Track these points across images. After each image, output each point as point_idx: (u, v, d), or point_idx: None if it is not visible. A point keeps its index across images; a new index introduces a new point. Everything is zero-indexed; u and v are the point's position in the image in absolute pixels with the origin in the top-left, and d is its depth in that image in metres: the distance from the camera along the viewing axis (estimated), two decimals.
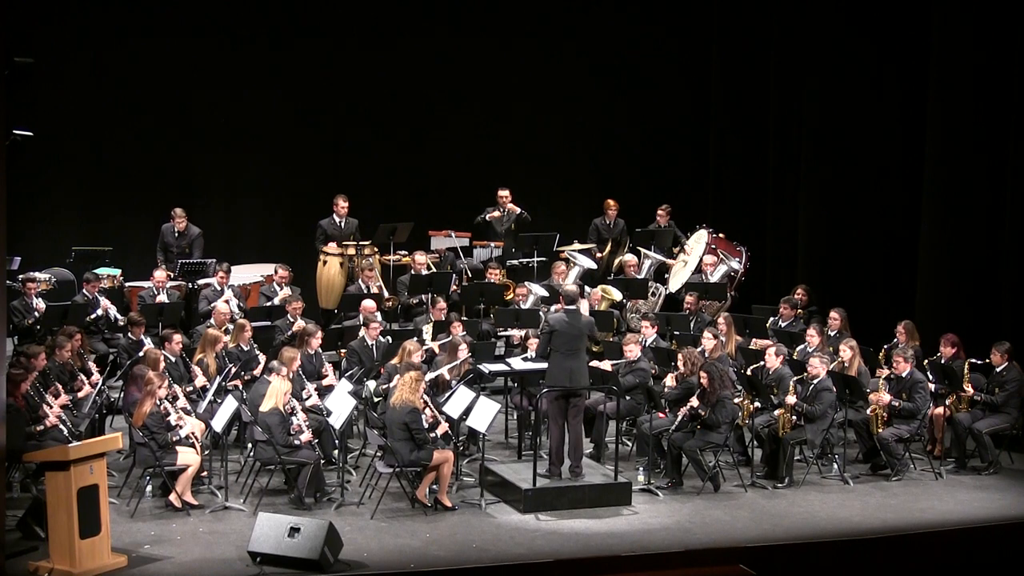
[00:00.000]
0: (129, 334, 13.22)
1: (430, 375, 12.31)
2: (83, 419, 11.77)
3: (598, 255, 16.83)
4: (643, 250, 16.58)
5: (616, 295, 15.55)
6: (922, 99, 15.22)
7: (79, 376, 12.28)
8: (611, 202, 17.15)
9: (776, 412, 12.23)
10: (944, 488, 12.24)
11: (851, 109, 16.21)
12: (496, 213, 16.81)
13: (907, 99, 15.66)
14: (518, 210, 16.88)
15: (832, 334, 13.72)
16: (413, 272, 15.50)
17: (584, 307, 12.66)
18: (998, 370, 12.67)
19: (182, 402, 11.68)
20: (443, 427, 11.40)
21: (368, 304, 14.09)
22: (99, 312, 14.16)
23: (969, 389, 12.66)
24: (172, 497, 11.01)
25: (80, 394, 12.04)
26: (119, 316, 14.28)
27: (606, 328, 14.45)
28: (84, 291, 14.35)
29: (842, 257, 16.31)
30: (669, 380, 12.35)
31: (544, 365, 11.78)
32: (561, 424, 11.69)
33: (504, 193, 16.85)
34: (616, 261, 17.00)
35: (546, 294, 15.14)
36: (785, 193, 17.45)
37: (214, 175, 17.55)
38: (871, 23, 16.09)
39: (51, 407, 11.27)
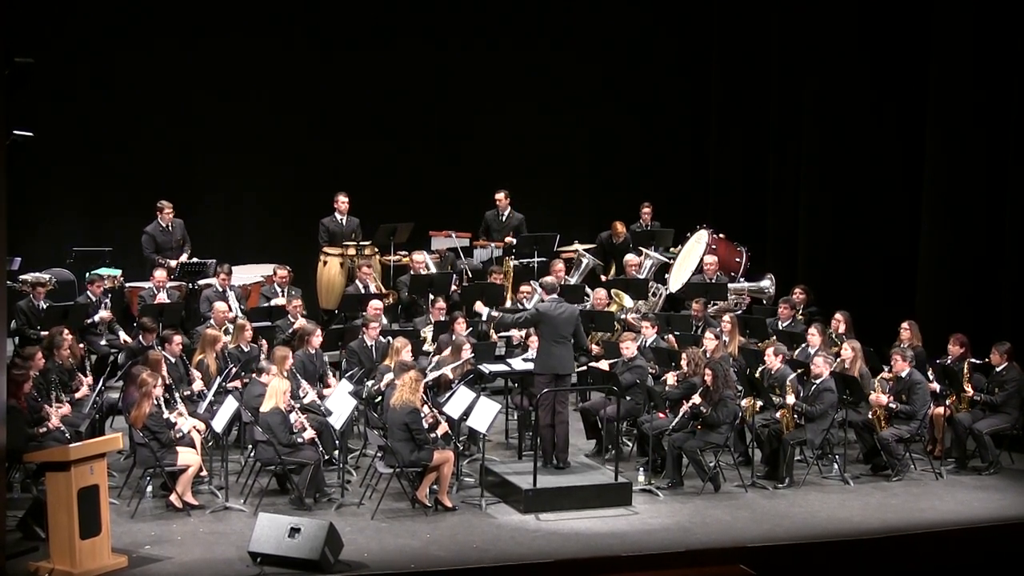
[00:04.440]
0: (140, 338, 13.12)
1: (433, 374, 12.31)
2: (83, 419, 11.76)
3: (603, 278, 16.70)
4: (644, 250, 16.56)
5: (628, 302, 15.45)
6: (922, 98, 15.21)
7: (77, 375, 12.27)
8: (619, 226, 16.94)
9: (779, 413, 12.23)
10: (944, 488, 12.23)
11: (851, 109, 16.20)
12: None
13: (907, 98, 15.65)
14: (515, 221, 16.79)
15: (836, 336, 13.69)
16: (413, 272, 15.48)
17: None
18: (998, 370, 12.65)
19: (181, 405, 11.67)
20: (443, 427, 11.40)
21: (376, 304, 14.03)
22: (97, 319, 14.09)
23: (970, 390, 12.64)
24: (172, 497, 11.01)
25: (77, 395, 12.03)
26: (120, 330, 14.21)
27: (607, 328, 14.44)
28: (88, 292, 14.31)
29: (842, 257, 16.29)
30: (671, 379, 12.35)
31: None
32: (549, 416, 11.78)
33: (500, 196, 16.82)
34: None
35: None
36: (785, 193, 17.45)
37: (214, 175, 17.53)
38: (871, 22, 16.09)
39: (52, 407, 11.27)
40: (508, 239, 16.65)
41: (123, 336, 14.14)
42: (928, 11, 15.12)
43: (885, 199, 15.95)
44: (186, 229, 15.86)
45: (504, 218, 16.82)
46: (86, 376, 12.41)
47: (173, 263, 15.18)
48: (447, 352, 12.69)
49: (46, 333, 12.89)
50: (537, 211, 17.45)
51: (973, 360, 12.81)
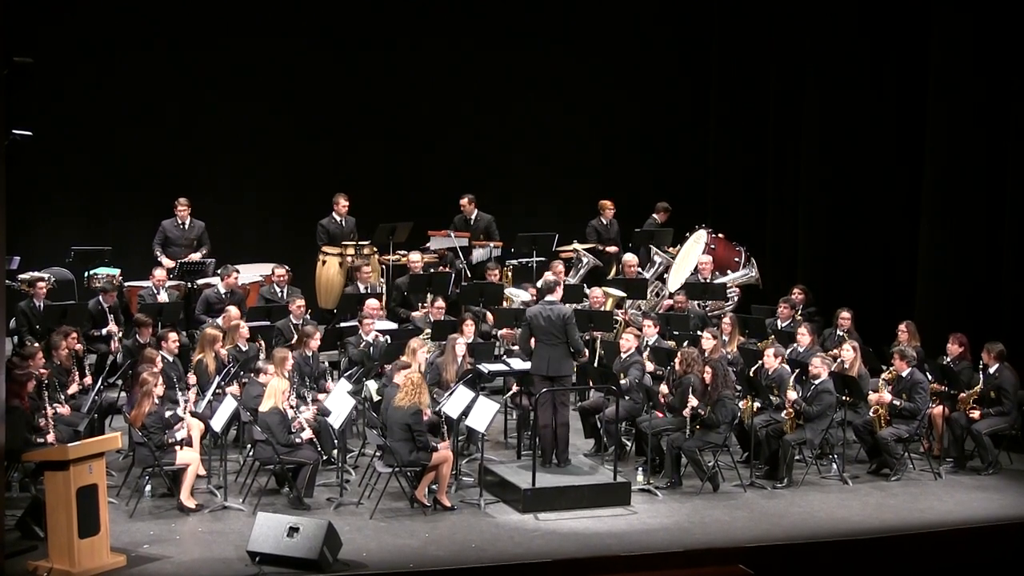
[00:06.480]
0: (136, 336, 13.11)
1: (449, 398, 12.24)
2: (82, 419, 11.76)
3: (608, 251, 16.74)
4: (653, 247, 16.57)
5: (617, 293, 15.49)
6: (922, 98, 15.23)
7: (72, 372, 12.26)
8: (607, 203, 17.06)
9: (783, 413, 12.22)
10: (943, 488, 12.23)
11: (851, 109, 16.22)
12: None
13: (907, 98, 15.67)
14: (483, 223, 16.78)
15: (841, 334, 13.67)
16: (411, 272, 15.46)
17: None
18: (991, 371, 12.61)
19: (182, 404, 11.68)
20: (444, 446, 11.37)
21: (372, 303, 14.00)
22: (104, 332, 14.04)
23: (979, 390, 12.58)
24: (184, 498, 10.99)
25: (69, 391, 12.02)
26: (124, 341, 14.18)
27: (607, 328, 14.44)
28: (99, 299, 14.18)
29: (842, 257, 16.30)
30: (663, 389, 12.32)
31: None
32: (548, 415, 11.76)
33: (464, 201, 16.80)
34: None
35: (529, 297, 15.03)
36: (785, 193, 17.45)
37: (214, 174, 17.51)
38: (871, 22, 16.11)
39: (50, 408, 11.28)
40: (460, 238, 16.61)
41: (113, 327, 14.11)
42: (928, 10, 15.13)
43: (885, 199, 15.96)
44: (206, 230, 15.89)
45: (472, 221, 16.82)
46: (85, 376, 12.40)
47: (169, 262, 15.13)
48: (446, 356, 12.71)
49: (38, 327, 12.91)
50: (537, 211, 17.39)
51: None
